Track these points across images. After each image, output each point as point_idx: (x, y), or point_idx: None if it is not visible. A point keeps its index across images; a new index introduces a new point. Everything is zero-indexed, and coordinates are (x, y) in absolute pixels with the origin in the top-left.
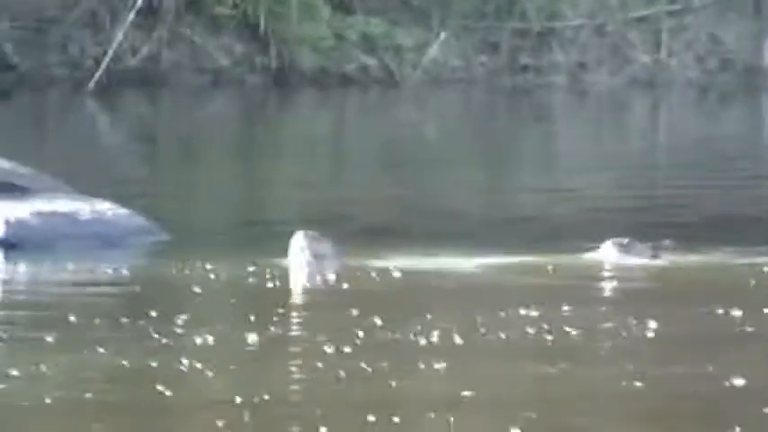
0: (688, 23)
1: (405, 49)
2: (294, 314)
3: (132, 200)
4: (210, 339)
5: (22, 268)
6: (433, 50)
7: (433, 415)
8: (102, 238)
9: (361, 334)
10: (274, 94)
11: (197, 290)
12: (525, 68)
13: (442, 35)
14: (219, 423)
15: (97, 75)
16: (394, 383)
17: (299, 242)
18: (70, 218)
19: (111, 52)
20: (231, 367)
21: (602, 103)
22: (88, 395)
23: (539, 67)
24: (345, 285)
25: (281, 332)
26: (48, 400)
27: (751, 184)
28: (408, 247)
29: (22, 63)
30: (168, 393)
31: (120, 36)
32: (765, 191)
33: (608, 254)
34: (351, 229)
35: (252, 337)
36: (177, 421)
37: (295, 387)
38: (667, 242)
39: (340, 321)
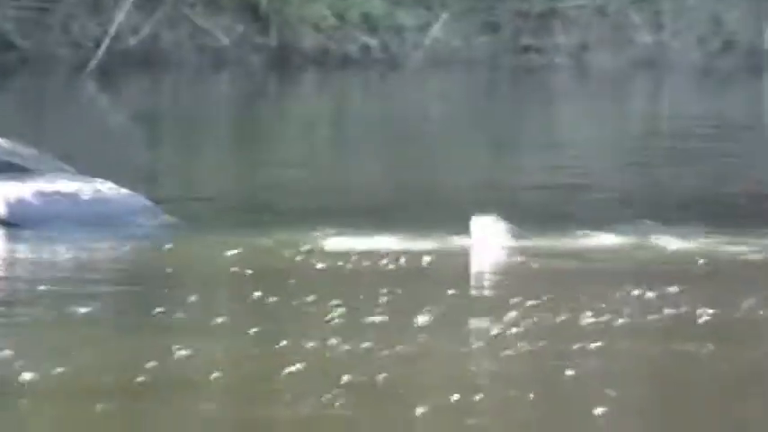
0: (690, 5)
1: (406, 30)
2: (417, 294)
3: (134, 180)
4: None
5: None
6: (435, 31)
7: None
8: (103, 218)
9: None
10: (275, 74)
11: (248, 271)
12: (527, 49)
13: (444, 16)
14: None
15: (98, 55)
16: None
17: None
18: (71, 198)
19: (112, 32)
20: (398, 347)
21: (601, 84)
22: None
23: (540, 48)
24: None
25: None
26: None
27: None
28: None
29: (24, 43)
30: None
31: (121, 16)
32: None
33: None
34: (375, 212)
35: (420, 319)
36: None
37: (456, 368)
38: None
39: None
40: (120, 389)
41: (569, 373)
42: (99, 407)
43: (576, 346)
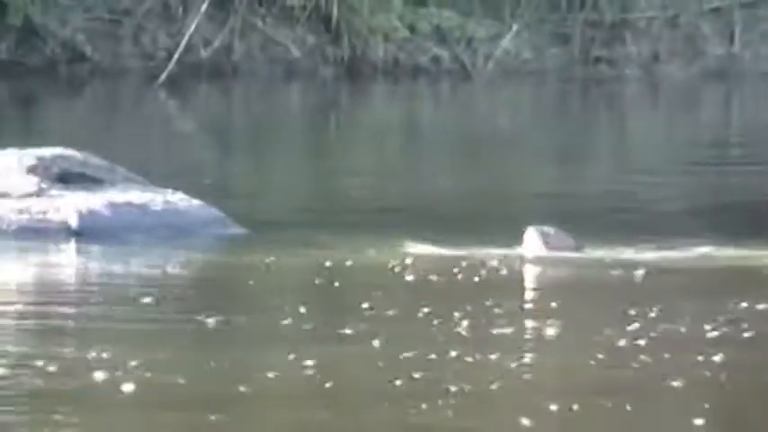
0: (762, 15)
1: (477, 41)
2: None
3: (205, 191)
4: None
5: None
6: (505, 42)
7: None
8: (174, 229)
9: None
10: (346, 85)
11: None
12: (597, 60)
13: (514, 27)
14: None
15: (169, 66)
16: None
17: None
18: (142, 209)
19: (183, 44)
20: (518, 358)
21: (672, 95)
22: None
23: (611, 59)
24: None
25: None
26: (398, 383)
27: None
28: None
29: (95, 54)
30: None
31: (192, 27)
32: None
33: (530, 245)
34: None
35: (550, 330)
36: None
37: (567, 378)
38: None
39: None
40: (227, 398)
41: (678, 383)
42: (205, 417)
43: (699, 358)
